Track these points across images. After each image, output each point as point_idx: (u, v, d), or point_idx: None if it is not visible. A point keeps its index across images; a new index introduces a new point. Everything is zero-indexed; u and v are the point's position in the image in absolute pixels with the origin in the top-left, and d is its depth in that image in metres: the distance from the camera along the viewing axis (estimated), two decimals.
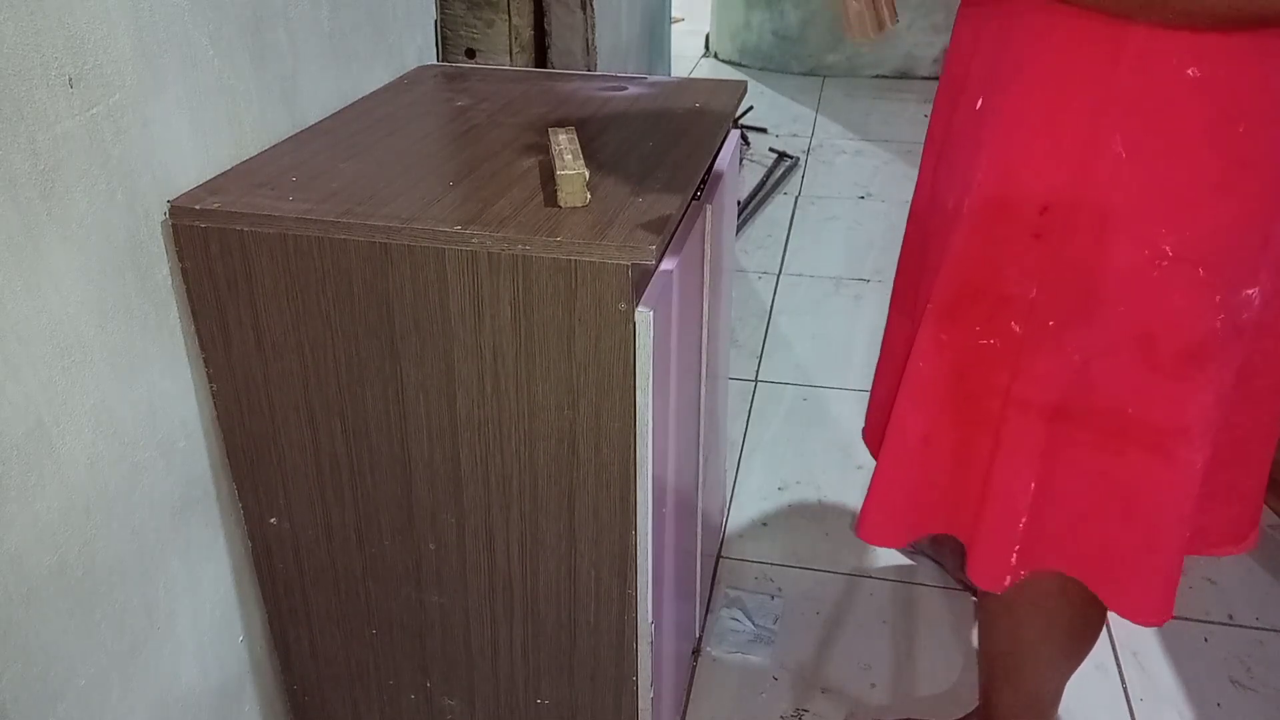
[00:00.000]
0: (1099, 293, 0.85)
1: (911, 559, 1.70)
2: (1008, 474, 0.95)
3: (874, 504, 1.05)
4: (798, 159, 3.48)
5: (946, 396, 0.96)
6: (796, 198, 3.21)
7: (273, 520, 1.07)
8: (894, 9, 0.90)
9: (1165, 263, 0.82)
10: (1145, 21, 0.76)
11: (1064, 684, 1.18)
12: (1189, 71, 0.77)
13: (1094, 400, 0.89)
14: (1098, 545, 0.95)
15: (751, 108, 3.92)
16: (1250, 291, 0.83)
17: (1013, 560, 0.98)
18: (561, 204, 0.90)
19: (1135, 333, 0.85)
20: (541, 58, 2.08)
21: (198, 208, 0.90)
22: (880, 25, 0.89)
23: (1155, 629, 1.55)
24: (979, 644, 1.24)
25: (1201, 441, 0.87)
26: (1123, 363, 0.86)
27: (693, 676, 1.47)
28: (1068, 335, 0.88)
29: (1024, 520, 0.96)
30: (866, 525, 1.06)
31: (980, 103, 0.89)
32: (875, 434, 1.16)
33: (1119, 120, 0.80)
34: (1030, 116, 0.85)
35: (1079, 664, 1.15)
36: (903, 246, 1.08)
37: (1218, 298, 0.83)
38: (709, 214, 1.11)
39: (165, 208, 0.91)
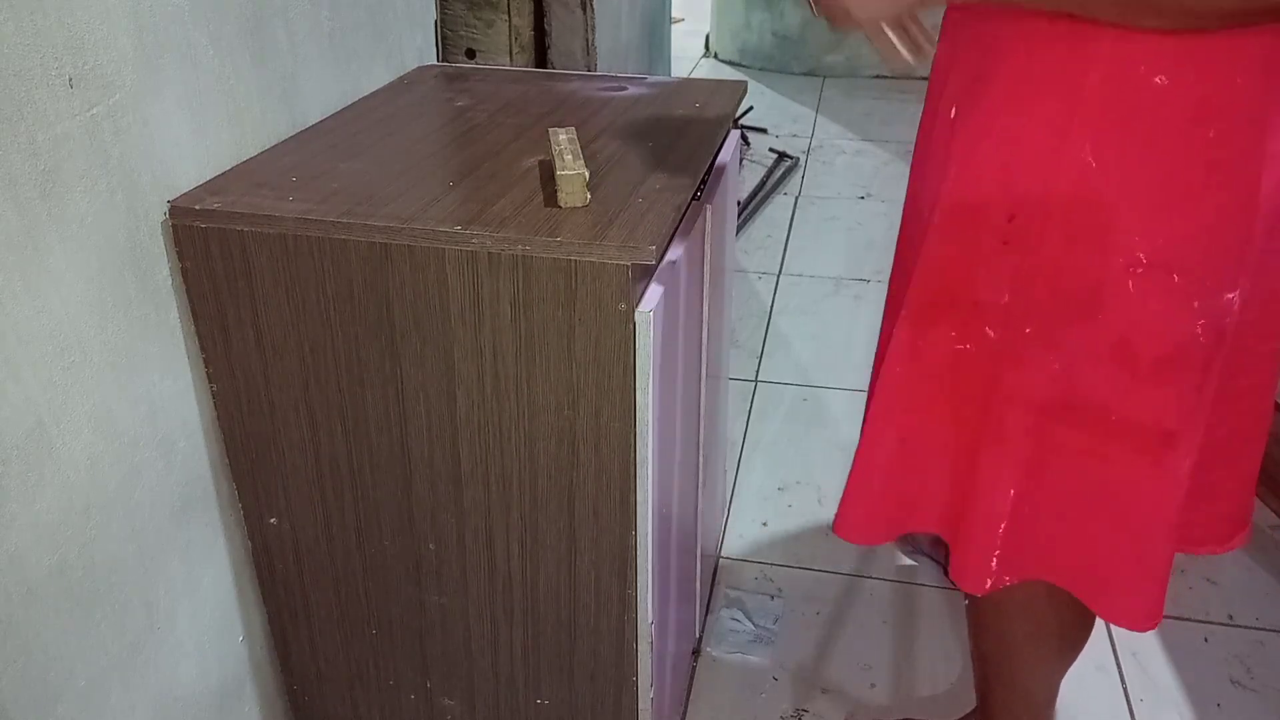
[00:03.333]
0: (1073, 300, 0.85)
1: (912, 559, 1.70)
2: (989, 479, 0.95)
3: (850, 502, 1.05)
4: (798, 159, 3.48)
5: (924, 400, 0.97)
6: (796, 198, 3.21)
7: (273, 520, 1.07)
8: (927, 34, 0.89)
9: (1140, 269, 0.82)
10: (1142, 26, 0.76)
11: (1058, 681, 1.18)
12: (1157, 79, 0.77)
13: (1077, 406, 0.89)
14: (1086, 552, 0.95)
15: (751, 108, 3.92)
16: (1231, 295, 0.82)
17: (993, 565, 0.98)
18: (561, 204, 0.90)
19: (1113, 340, 0.85)
20: (541, 58, 2.08)
21: (198, 208, 0.90)
22: (918, 49, 0.89)
23: (1155, 629, 1.55)
24: (970, 644, 1.24)
25: (1188, 445, 0.87)
26: (1103, 369, 0.86)
27: (693, 676, 1.47)
28: (1044, 341, 0.88)
29: (1003, 525, 0.96)
30: (843, 523, 1.06)
31: (954, 112, 0.90)
32: None
33: (1088, 128, 0.80)
34: (997, 125, 0.85)
35: (1071, 663, 1.15)
36: (895, 251, 1.08)
37: (1196, 303, 0.82)
38: (709, 214, 1.11)
39: (165, 208, 0.91)
